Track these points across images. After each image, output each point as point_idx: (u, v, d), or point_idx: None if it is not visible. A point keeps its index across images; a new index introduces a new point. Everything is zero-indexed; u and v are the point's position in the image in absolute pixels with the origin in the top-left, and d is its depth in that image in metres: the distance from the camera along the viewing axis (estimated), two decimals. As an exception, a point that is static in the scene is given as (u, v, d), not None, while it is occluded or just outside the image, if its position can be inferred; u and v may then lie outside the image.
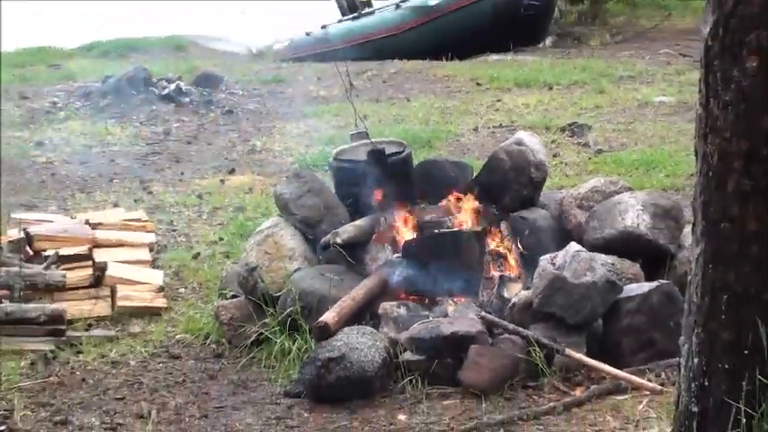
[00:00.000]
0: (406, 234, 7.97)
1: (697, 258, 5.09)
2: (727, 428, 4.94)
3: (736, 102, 4.81)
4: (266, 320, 7.65)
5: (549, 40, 23.40)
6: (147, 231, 10.27)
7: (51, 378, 7.47)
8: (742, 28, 4.77)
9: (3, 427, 6.69)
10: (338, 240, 7.86)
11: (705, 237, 5.04)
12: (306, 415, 6.71)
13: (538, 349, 6.85)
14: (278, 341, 7.47)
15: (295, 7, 27.87)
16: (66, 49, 22.66)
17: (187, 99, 16.72)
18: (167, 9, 26.09)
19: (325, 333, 7.06)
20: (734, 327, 4.96)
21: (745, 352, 4.92)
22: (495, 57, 20.87)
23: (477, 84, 18.12)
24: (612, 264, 7.31)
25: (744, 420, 4.89)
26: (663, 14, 25.51)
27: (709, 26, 4.87)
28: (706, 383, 5.05)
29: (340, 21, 24.64)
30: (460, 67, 19.72)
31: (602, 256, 7.36)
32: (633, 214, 7.73)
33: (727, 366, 4.99)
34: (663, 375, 6.68)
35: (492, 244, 7.92)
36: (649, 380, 6.65)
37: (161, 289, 8.88)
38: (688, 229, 7.65)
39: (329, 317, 7.15)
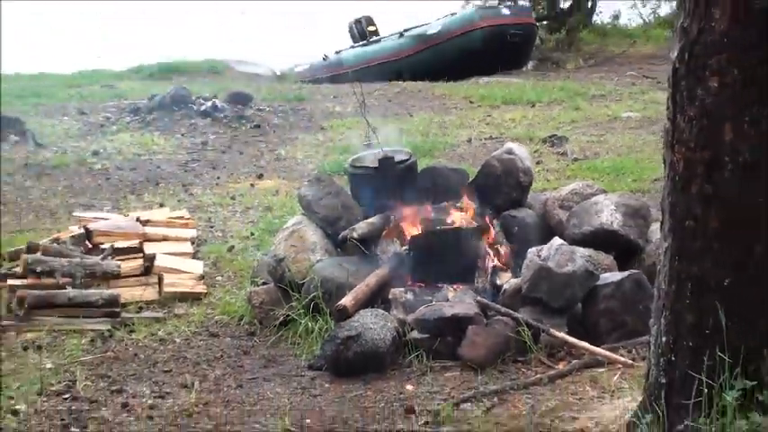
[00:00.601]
0: (413, 230, 7.96)
1: (665, 251, 5.09)
2: (691, 397, 4.94)
3: (700, 116, 4.82)
4: (292, 304, 7.66)
5: (531, 64, 23.44)
6: (189, 228, 10.29)
7: (108, 353, 7.47)
8: (705, 53, 4.78)
9: (67, 396, 6.69)
10: (354, 235, 7.87)
11: (672, 233, 5.05)
12: (327, 385, 6.71)
13: (526, 329, 6.84)
14: (302, 322, 7.48)
15: (294, 7, 27.70)
16: (117, 71, 22.69)
17: (221, 114, 16.71)
18: (202, 35, 26.11)
19: (343, 315, 7.08)
20: (696, 311, 4.97)
21: (707, 332, 4.93)
22: (485, 78, 20.84)
23: (470, 101, 18.12)
24: (590, 256, 7.28)
25: (705, 391, 4.89)
26: (628, 42, 25.53)
27: (676, 51, 4.89)
28: (673, 359, 5.06)
29: (352, 47, 24.68)
30: (455, 87, 19.71)
31: (581, 249, 7.33)
32: (607, 213, 7.73)
33: (690, 344, 5.00)
34: (634, 352, 6.67)
35: (486, 239, 7.90)
36: (622, 355, 6.63)
37: (201, 277, 8.89)
38: (655, 226, 7.71)
39: (347, 301, 7.17)
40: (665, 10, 26.96)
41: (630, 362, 6.51)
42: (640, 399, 5.33)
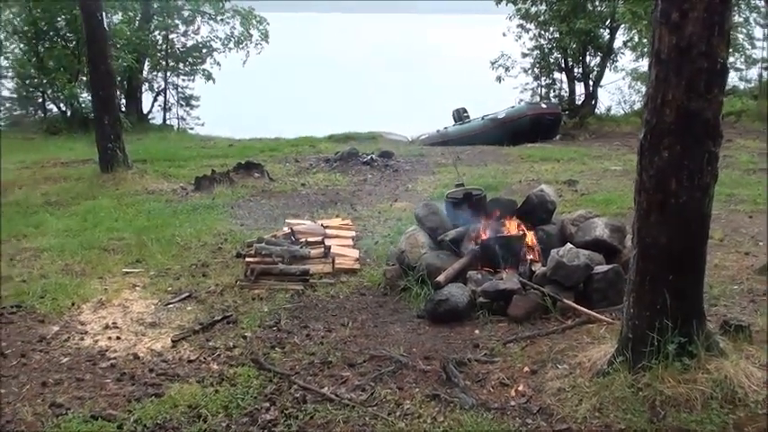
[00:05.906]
0: (482, 236, 7.72)
1: (634, 256, 4.89)
2: (647, 347, 4.77)
3: (656, 174, 4.65)
4: (409, 278, 7.48)
5: (558, 137, 22.80)
6: (351, 230, 10.21)
7: (300, 303, 7.41)
8: (660, 135, 4.60)
9: (275, 327, 6.66)
10: (447, 238, 7.69)
11: (638, 245, 4.85)
12: (427, 328, 6.56)
13: (548, 299, 6.61)
14: (414, 289, 7.31)
15: (421, 97, 27.31)
16: (318, 137, 22.75)
17: (376, 163, 16.58)
18: (369, 116, 26.20)
19: (438, 286, 6.91)
20: (652, 293, 4.81)
21: (658, 307, 4.76)
22: (530, 145, 20.32)
23: (521, 158, 17.66)
24: (588, 255, 6.97)
25: (656, 343, 4.71)
26: (615, 125, 24.78)
27: (642, 134, 4.71)
28: (637, 322, 4.88)
29: (453, 125, 24.39)
30: (513, 149, 19.24)
31: (584, 251, 7.02)
32: (600, 229, 7.40)
33: (647, 314, 4.82)
34: (614, 315, 6.34)
35: (526, 243, 7.63)
36: (606, 317, 6.34)
37: (357, 259, 8.77)
38: (628, 237, 7.35)
39: (441, 277, 7.01)
40: (638, 105, 26.12)
41: (611, 321, 6.22)
42: (616, 346, 5.09)
